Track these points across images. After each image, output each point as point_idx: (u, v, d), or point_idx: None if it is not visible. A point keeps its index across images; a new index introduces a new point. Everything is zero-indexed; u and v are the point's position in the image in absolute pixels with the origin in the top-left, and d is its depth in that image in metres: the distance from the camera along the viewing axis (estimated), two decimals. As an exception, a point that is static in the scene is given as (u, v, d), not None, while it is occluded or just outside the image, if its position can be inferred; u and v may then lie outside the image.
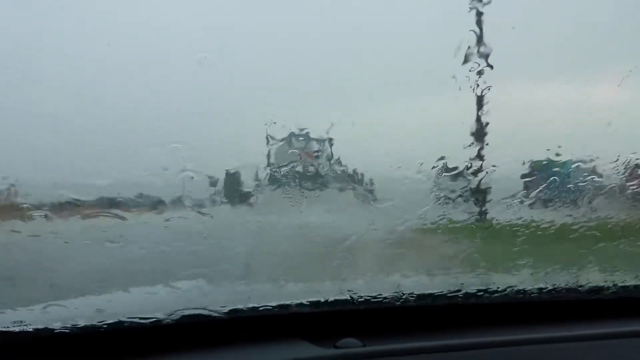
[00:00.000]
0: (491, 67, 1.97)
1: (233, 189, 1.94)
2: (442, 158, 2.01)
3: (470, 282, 1.76)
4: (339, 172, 1.99)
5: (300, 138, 1.95)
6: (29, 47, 2.00)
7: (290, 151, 1.94)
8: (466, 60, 1.95)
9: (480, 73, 1.97)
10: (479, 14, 1.98)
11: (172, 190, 1.87)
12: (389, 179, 1.98)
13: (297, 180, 1.97)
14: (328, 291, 1.65)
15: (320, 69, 2.20)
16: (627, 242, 2.02)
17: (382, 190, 2.00)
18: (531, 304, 1.74)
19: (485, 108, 2.02)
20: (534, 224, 2.05)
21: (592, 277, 1.89)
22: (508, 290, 1.73)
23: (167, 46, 2.13)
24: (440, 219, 2.02)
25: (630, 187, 2.05)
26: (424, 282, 1.78)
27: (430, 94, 2.23)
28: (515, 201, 2.09)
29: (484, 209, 2.12)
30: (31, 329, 1.44)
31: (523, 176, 2.11)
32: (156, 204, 1.91)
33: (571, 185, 2.13)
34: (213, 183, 1.91)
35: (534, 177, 2.12)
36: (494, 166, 1.99)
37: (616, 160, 2.02)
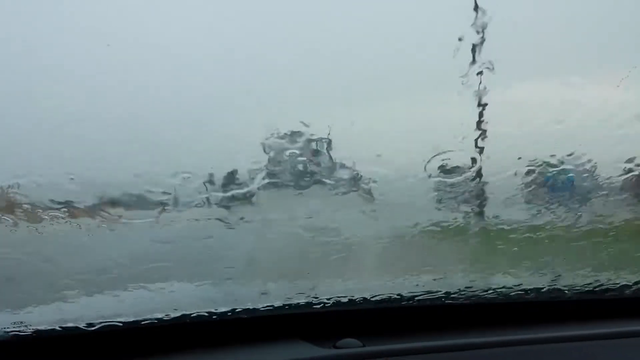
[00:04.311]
0: (491, 67, 1.97)
1: (231, 190, 1.94)
2: (441, 159, 2.01)
3: (469, 282, 1.75)
4: (338, 172, 1.99)
5: (299, 138, 1.95)
6: (27, 47, 2.00)
7: (289, 151, 1.94)
8: (466, 59, 1.96)
9: (480, 73, 1.98)
10: (479, 14, 1.98)
11: (170, 190, 1.87)
12: (389, 179, 1.98)
13: (296, 180, 1.97)
14: (328, 291, 1.65)
15: (320, 69, 2.20)
16: (627, 243, 2.02)
17: (382, 191, 2.00)
18: (531, 304, 1.74)
19: (485, 109, 2.02)
20: (533, 225, 2.05)
21: (593, 277, 1.89)
22: (507, 290, 1.73)
23: (166, 46, 2.13)
24: (440, 220, 2.02)
25: (632, 189, 2.05)
26: (424, 283, 1.77)
27: (430, 95, 2.23)
28: (515, 202, 2.09)
29: (484, 209, 2.12)
30: (31, 330, 1.44)
31: (523, 177, 2.11)
32: (155, 205, 1.91)
33: (571, 187, 2.13)
34: (211, 183, 1.91)
35: (534, 179, 2.12)
36: (487, 158, 1.99)
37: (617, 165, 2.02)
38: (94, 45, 2.00)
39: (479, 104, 2.00)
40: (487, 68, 1.96)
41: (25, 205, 1.75)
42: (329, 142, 1.96)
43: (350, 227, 2.00)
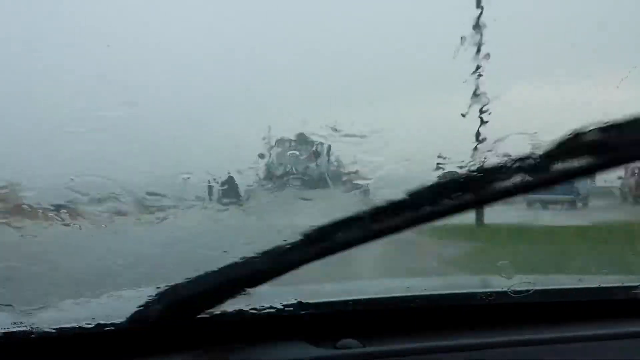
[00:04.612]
0: (491, 68, 1.97)
1: (232, 191, 1.94)
2: (441, 159, 2.01)
3: (469, 282, 1.75)
4: (338, 173, 1.99)
5: (300, 139, 1.95)
6: (29, 47, 2.00)
7: (289, 152, 1.94)
8: (466, 60, 1.96)
9: (480, 74, 1.98)
10: (480, 15, 1.98)
11: (171, 192, 1.87)
12: (388, 179, 1.99)
13: (296, 181, 1.97)
14: (328, 292, 1.65)
15: (320, 70, 2.21)
16: (628, 243, 2.02)
17: (381, 192, 2.00)
18: (531, 305, 1.74)
19: (485, 108, 2.02)
20: (533, 226, 2.05)
21: (593, 278, 1.89)
22: (508, 290, 1.73)
23: (166, 47, 2.13)
24: (440, 221, 2.02)
25: (630, 189, 2.05)
26: (424, 283, 1.78)
27: (430, 95, 2.24)
28: (515, 203, 2.09)
29: (483, 210, 2.12)
30: (30, 330, 1.43)
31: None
32: (155, 206, 1.91)
33: (571, 187, 2.13)
34: (212, 185, 1.91)
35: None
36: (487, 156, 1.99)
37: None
38: (94, 45, 2.00)
39: (479, 105, 2.00)
40: (487, 69, 1.96)
41: (25, 206, 1.75)
42: (329, 145, 1.96)
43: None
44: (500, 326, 1.64)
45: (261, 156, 1.96)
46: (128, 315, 1.50)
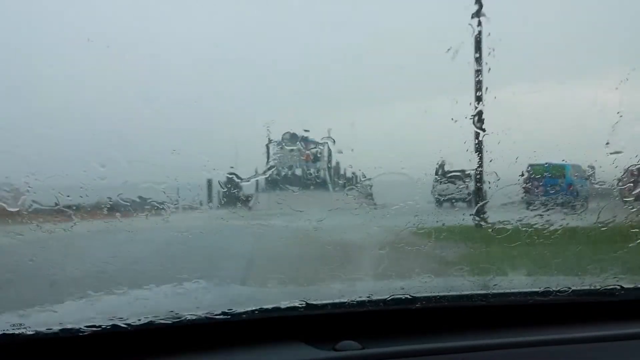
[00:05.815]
0: (490, 68, 1.98)
1: (232, 192, 1.94)
2: (441, 161, 2.02)
3: (469, 284, 1.76)
4: (338, 174, 1.99)
5: (300, 140, 1.96)
6: (30, 50, 2.00)
7: (289, 153, 1.94)
8: (465, 63, 1.96)
9: (479, 76, 1.98)
10: (478, 17, 1.98)
11: (172, 193, 1.87)
12: (388, 181, 1.99)
13: (296, 182, 1.97)
14: (327, 293, 1.65)
15: (320, 72, 2.21)
16: (626, 245, 2.02)
17: (381, 193, 2.00)
18: (531, 307, 1.74)
19: (484, 111, 2.03)
20: (532, 227, 2.05)
21: (592, 279, 1.89)
22: (507, 292, 1.73)
23: (166, 49, 2.13)
24: (440, 222, 2.02)
25: (628, 190, 2.06)
26: (423, 285, 1.78)
27: (429, 97, 2.24)
28: (514, 204, 2.09)
29: (483, 211, 2.12)
30: (30, 332, 1.44)
31: (522, 179, 2.11)
32: (156, 207, 1.91)
33: (569, 188, 2.13)
34: (212, 185, 1.91)
35: (533, 180, 2.12)
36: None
37: (613, 163, 2.03)
38: (92, 47, 2.01)
39: (478, 106, 2.01)
40: (486, 69, 1.97)
41: (25, 207, 1.75)
42: (329, 145, 1.96)
43: (349, 229, 2.01)
44: (500, 328, 1.64)
45: (261, 157, 1.96)
46: (127, 316, 1.50)
